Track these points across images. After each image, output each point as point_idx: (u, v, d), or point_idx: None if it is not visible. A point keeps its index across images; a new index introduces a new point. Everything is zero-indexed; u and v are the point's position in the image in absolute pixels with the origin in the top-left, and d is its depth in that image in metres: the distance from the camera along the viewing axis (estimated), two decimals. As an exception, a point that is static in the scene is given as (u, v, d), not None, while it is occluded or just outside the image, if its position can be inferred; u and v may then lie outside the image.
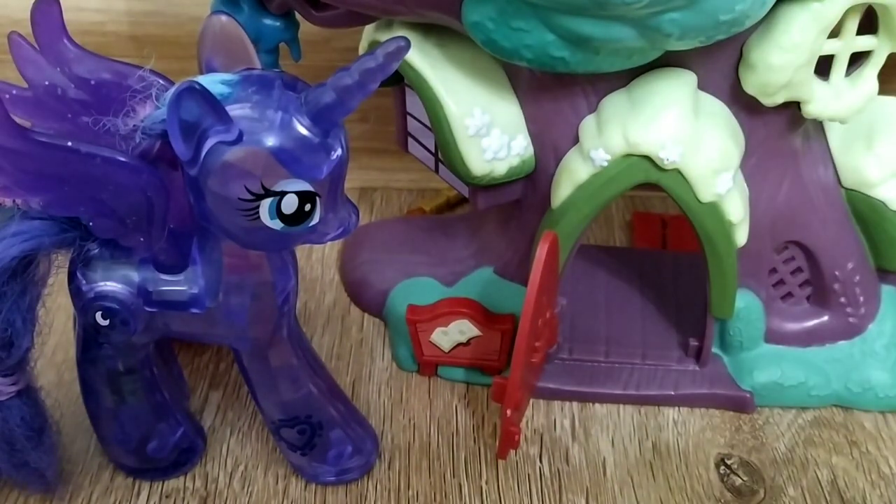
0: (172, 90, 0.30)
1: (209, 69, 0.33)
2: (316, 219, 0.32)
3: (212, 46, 0.33)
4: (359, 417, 0.43)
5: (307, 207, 0.31)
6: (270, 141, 0.30)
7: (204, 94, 0.29)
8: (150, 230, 0.33)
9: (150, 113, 0.32)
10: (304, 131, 0.30)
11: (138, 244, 0.34)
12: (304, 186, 0.31)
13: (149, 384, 0.39)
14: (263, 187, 0.30)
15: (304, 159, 0.31)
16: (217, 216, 0.32)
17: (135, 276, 0.35)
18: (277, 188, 0.31)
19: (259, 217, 0.31)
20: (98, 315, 0.35)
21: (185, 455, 0.43)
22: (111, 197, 0.32)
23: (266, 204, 0.31)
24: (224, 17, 0.33)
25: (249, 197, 0.31)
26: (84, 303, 0.35)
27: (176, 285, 0.35)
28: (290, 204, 0.31)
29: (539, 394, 0.47)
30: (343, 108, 0.31)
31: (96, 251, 0.35)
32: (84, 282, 0.35)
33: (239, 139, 0.30)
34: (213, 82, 0.31)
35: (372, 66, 0.30)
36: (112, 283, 0.35)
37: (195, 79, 0.30)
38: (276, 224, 0.31)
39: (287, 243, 0.34)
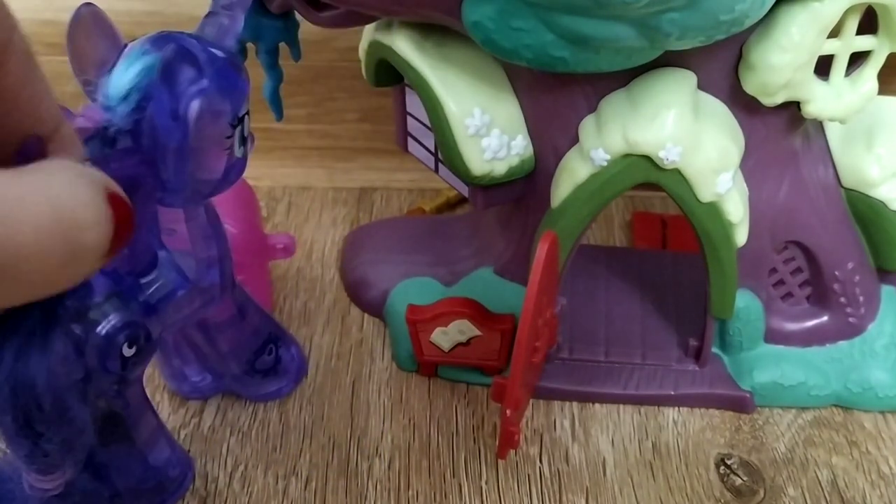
0: (143, 64, 0.31)
1: (96, 58, 0.32)
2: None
3: (92, 36, 0.32)
4: (276, 320, 0.47)
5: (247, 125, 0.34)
6: (223, 73, 0.31)
7: (188, 51, 0.30)
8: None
9: (103, 115, 0.31)
10: (224, 55, 0.32)
11: (121, 256, 0.32)
12: (247, 106, 0.33)
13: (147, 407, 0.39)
14: (235, 116, 0.32)
15: (239, 81, 0.32)
16: (197, 173, 0.32)
17: (122, 296, 0.34)
18: (241, 112, 0.33)
19: (233, 150, 0.33)
20: (124, 347, 0.34)
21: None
22: None
23: (237, 132, 0.33)
24: (91, 7, 0.32)
25: (231, 131, 0.32)
26: (101, 347, 0.33)
27: (157, 280, 0.35)
28: (246, 125, 0.33)
29: (539, 394, 0.47)
30: (238, 23, 0.33)
31: (77, 302, 0.33)
32: (88, 328, 0.33)
33: (211, 83, 0.31)
34: (138, 56, 0.31)
35: None
36: (114, 314, 0.33)
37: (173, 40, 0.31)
38: (241, 150, 0.33)
39: (243, 170, 0.35)
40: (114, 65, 0.32)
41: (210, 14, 0.33)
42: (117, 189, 0.26)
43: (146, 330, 0.35)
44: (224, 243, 0.38)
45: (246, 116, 0.33)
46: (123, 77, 0.31)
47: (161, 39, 0.32)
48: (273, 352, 0.45)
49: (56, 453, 0.32)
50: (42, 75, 0.26)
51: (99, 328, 0.33)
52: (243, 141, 0.34)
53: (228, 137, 0.32)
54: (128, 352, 0.34)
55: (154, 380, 0.48)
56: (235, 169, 0.34)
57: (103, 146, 0.31)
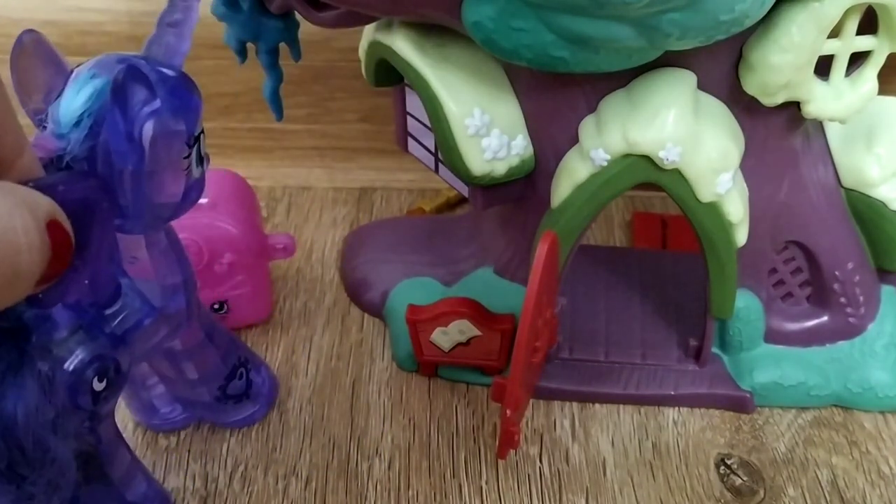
0: (92, 88, 0.30)
1: (42, 86, 0.32)
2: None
3: (36, 63, 0.32)
4: (245, 344, 0.45)
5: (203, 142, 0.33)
6: (175, 93, 0.31)
7: (139, 71, 0.29)
8: (88, 258, 0.30)
9: (56, 144, 0.30)
10: (175, 73, 0.31)
11: (82, 288, 0.31)
12: (202, 124, 0.32)
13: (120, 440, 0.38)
14: (191, 136, 0.32)
15: (192, 100, 0.32)
16: (156, 196, 0.32)
17: (87, 329, 0.33)
18: (197, 131, 0.32)
19: (191, 170, 0.32)
20: (94, 381, 0.33)
21: None
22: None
23: (194, 152, 0.32)
24: (33, 34, 0.31)
25: (188, 151, 0.31)
26: (70, 383, 0.32)
27: (122, 311, 0.34)
28: (202, 144, 0.33)
29: (539, 394, 0.47)
30: (186, 42, 0.32)
31: (42, 338, 0.32)
32: (55, 365, 0.32)
33: (164, 103, 0.30)
34: (87, 81, 0.30)
35: None
36: (80, 348, 0.32)
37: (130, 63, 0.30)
38: (199, 170, 0.33)
39: (202, 190, 0.34)
40: (61, 91, 0.31)
41: (156, 33, 0.32)
42: (59, 216, 0.25)
43: (115, 362, 0.33)
44: (188, 268, 0.37)
45: (202, 135, 0.33)
46: (74, 102, 0.30)
47: (109, 62, 0.31)
48: (244, 376, 0.44)
49: (42, 495, 0.31)
50: (7, 98, 0.26)
51: (66, 364, 0.32)
52: (200, 160, 0.33)
53: (186, 157, 0.32)
54: (98, 386, 0.33)
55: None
56: (194, 190, 0.33)
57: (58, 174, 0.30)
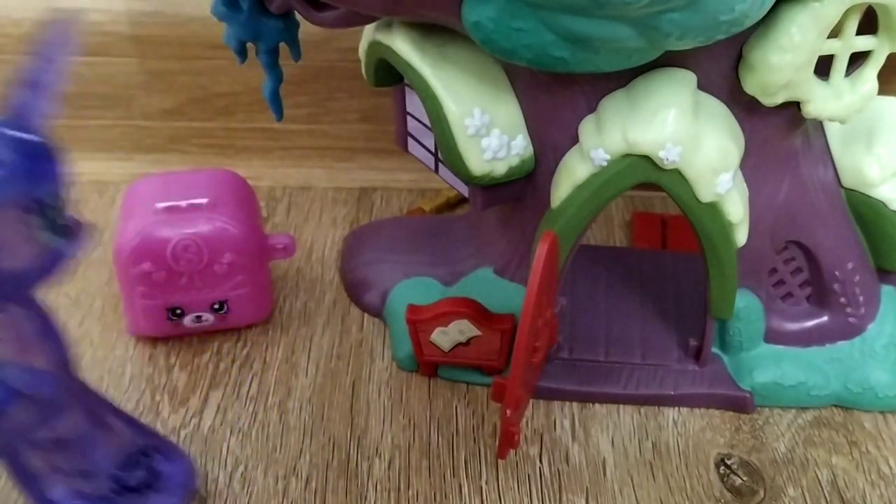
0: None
1: None
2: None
3: None
4: (153, 430, 0.42)
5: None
6: (23, 158, 0.29)
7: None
8: None
9: None
10: (21, 138, 0.29)
11: None
12: (55, 191, 0.30)
13: None
14: (37, 202, 0.30)
15: (41, 165, 0.30)
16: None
17: None
18: (43, 197, 0.30)
19: (38, 238, 0.30)
20: None
21: None
22: None
23: (42, 219, 0.30)
24: None
25: (24, 217, 0.30)
26: None
27: None
28: (60, 212, 0.30)
29: (539, 394, 0.47)
30: (45, 102, 0.30)
31: None
32: None
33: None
34: None
35: (48, 55, 0.30)
36: None
37: None
38: (57, 239, 0.31)
39: (64, 261, 0.32)
40: None
41: (16, 91, 0.30)
42: None
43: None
44: (61, 348, 0.34)
45: (59, 205, 0.30)
46: None
47: None
48: (144, 464, 0.39)
49: None
50: None
51: None
52: (61, 230, 0.31)
53: (25, 223, 0.29)
54: None
55: (154, 380, 0.48)
56: (53, 260, 0.31)
57: None
